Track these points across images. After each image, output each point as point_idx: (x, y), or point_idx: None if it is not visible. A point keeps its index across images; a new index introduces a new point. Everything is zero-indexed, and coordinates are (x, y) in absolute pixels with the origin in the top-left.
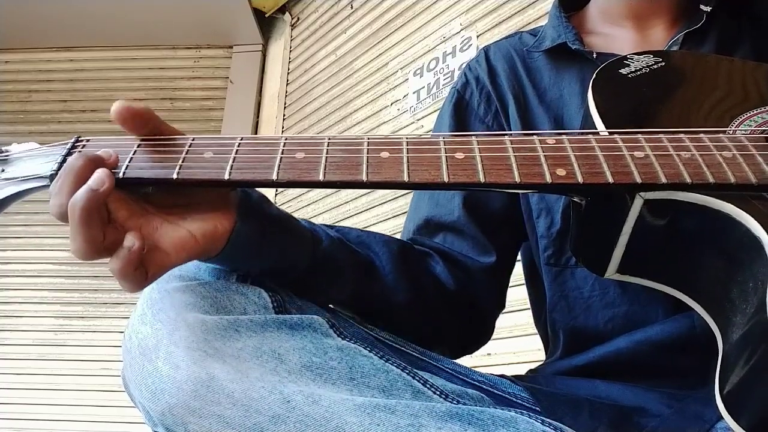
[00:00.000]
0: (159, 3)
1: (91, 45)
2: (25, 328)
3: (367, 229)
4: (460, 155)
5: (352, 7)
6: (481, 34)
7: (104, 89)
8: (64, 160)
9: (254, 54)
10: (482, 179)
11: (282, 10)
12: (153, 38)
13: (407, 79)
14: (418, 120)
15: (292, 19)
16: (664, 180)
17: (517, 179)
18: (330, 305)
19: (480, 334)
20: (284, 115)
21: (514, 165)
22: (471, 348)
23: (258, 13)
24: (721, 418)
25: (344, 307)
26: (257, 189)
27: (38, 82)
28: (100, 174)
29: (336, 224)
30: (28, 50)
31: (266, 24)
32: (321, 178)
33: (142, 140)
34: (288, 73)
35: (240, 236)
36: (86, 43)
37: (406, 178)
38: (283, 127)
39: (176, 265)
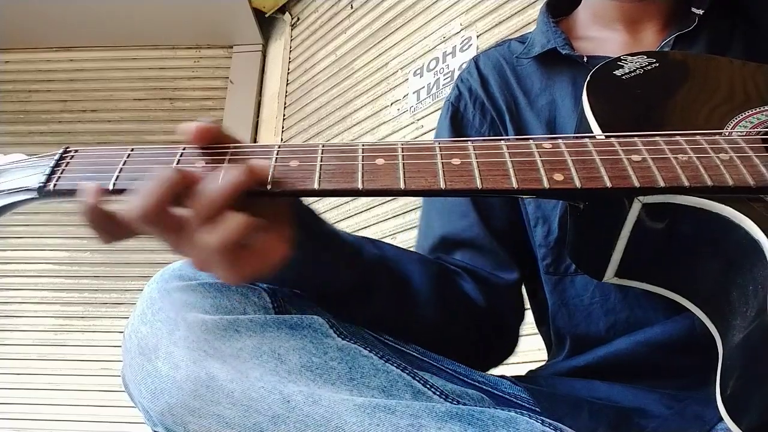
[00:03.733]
0: (159, 3)
1: (91, 45)
2: (25, 328)
3: (367, 228)
4: (456, 161)
5: (352, 7)
6: (481, 34)
7: (104, 89)
8: (52, 172)
9: (254, 54)
10: (479, 185)
11: (282, 10)
12: (153, 38)
13: (407, 79)
14: (418, 120)
15: (292, 19)
16: (662, 184)
17: (515, 185)
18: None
19: (507, 347)
20: (284, 115)
21: (511, 170)
22: (499, 361)
23: (258, 13)
24: (721, 419)
25: (377, 325)
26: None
27: (38, 82)
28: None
29: (368, 235)
30: (28, 50)
31: (266, 24)
32: (316, 186)
33: (132, 150)
34: (288, 73)
35: (297, 261)
36: (86, 43)
37: (402, 186)
38: (283, 127)
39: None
